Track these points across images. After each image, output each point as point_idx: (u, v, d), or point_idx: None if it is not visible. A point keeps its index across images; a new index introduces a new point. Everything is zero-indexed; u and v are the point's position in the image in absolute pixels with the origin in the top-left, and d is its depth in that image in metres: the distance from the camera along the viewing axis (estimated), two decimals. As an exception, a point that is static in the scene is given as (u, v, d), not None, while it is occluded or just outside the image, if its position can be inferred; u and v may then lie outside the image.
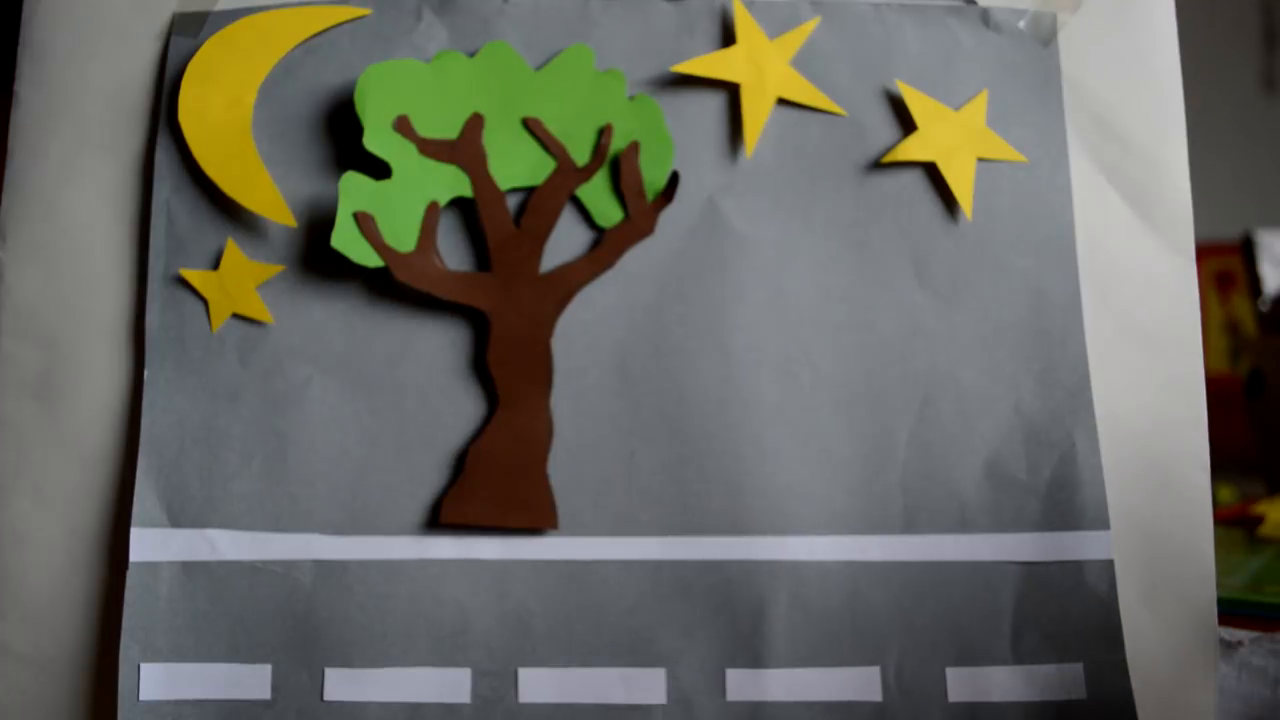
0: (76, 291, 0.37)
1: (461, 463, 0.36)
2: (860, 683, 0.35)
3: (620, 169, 0.37)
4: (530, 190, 0.37)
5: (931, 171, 0.38)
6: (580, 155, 0.37)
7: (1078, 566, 0.36)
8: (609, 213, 0.37)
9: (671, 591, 0.36)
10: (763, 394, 0.37)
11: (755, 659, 0.35)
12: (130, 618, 0.35)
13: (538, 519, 0.36)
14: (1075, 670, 0.36)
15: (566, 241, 0.37)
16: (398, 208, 0.36)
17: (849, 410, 0.37)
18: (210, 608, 0.35)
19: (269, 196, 0.37)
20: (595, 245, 0.37)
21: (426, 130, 0.37)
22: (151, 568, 0.36)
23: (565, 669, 0.35)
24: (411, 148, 0.37)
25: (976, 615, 0.36)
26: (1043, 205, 0.38)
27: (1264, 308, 1.01)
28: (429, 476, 0.36)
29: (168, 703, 0.35)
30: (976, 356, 0.37)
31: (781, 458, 0.36)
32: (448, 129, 0.37)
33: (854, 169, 0.38)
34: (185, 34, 0.38)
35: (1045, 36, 0.39)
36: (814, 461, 0.36)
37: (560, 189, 0.37)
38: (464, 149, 0.37)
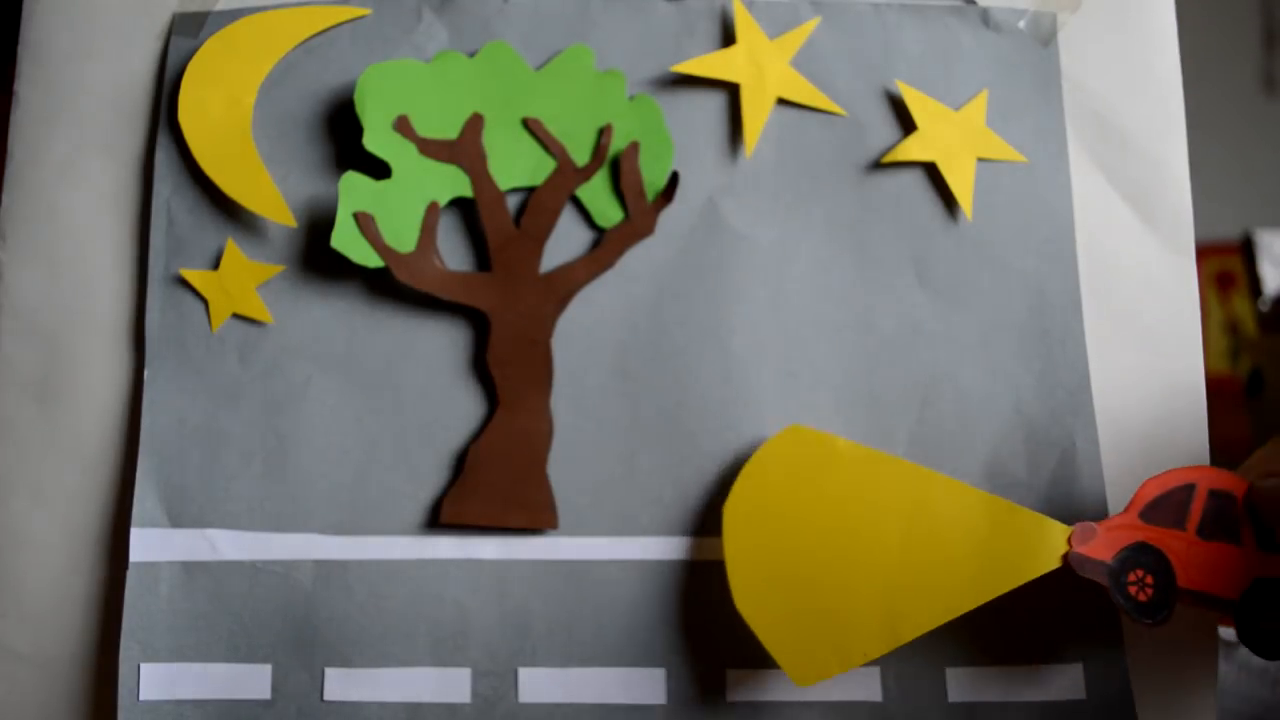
0: (76, 291, 0.37)
1: (461, 463, 0.36)
2: (860, 683, 0.35)
3: (620, 169, 0.37)
4: (530, 190, 0.37)
5: (931, 171, 0.38)
6: (580, 155, 0.37)
7: (1078, 566, 0.36)
8: (609, 213, 0.37)
9: (671, 591, 0.36)
10: (763, 394, 0.37)
11: (755, 659, 0.35)
12: (130, 618, 0.35)
13: (538, 519, 0.36)
14: (1075, 670, 0.36)
15: (566, 241, 0.37)
16: (398, 208, 0.36)
17: (849, 410, 0.37)
18: (210, 608, 0.35)
19: (269, 196, 0.37)
20: (595, 245, 0.37)
21: (426, 130, 0.37)
22: (151, 568, 0.36)
23: (565, 669, 0.35)
24: (411, 148, 0.37)
25: (976, 615, 0.36)
26: (1043, 205, 0.38)
27: (1264, 308, 1.01)
28: (429, 476, 0.36)
29: (168, 703, 0.35)
30: (976, 356, 0.37)
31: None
32: (448, 129, 0.37)
33: (854, 169, 0.38)
34: (185, 34, 0.38)
35: (1045, 36, 0.39)
36: (814, 461, 0.36)
37: (560, 189, 0.37)
38: (464, 149, 0.37)
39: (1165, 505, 0.33)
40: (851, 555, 0.33)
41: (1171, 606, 0.32)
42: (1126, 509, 0.33)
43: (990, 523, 0.33)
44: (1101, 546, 0.33)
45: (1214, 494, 0.33)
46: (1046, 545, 0.33)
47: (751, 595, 0.33)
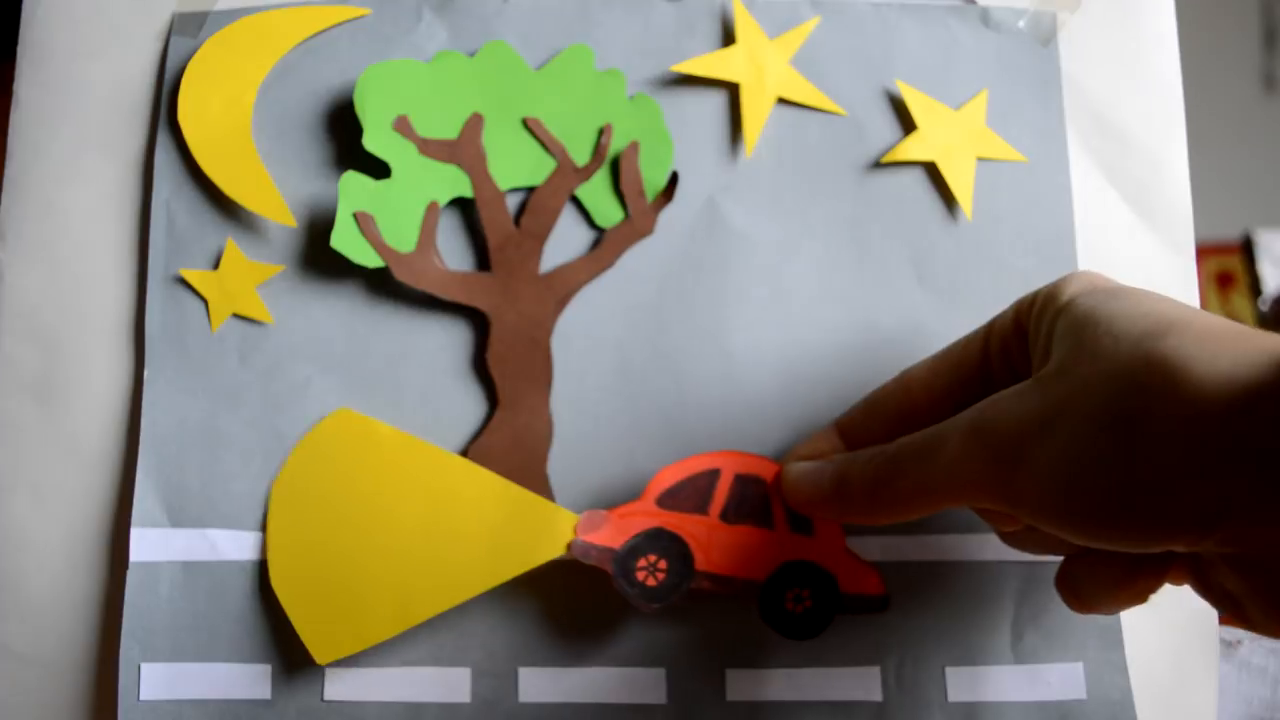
0: (76, 291, 0.37)
1: (461, 463, 0.36)
2: (860, 683, 0.35)
3: (620, 169, 0.37)
4: (530, 190, 0.37)
5: (931, 171, 0.38)
6: (580, 155, 0.37)
7: (1078, 566, 0.36)
8: (609, 213, 0.37)
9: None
10: (763, 394, 0.37)
11: (755, 659, 0.35)
12: (130, 618, 0.35)
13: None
14: (1075, 670, 0.36)
15: (566, 241, 0.37)
16: (398, 208, 0.36)
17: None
18: (210, 608, 0.35)
19: (269, 196, 0.37)
20: (595, 245, 0.37)
21: (426, 130, 0.37)
22: (151, 568, 0.36)
23: (565, 669, 0.35)
24: (411, 148, 0.37)
25: (976, 615, 0.36)
26: (1043, 205, 0.38)
27: (1264, 307, 1.02)
28: (429, 476, 0.36)
29: (168, 703, 0.35)
30: (976, 356, 0.37)
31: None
32: (448, 129, 0.37)
33: (854, 169, 0.38)
34: (185, 34, 0.38)
35: (1045, 36, 0.39)
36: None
37: (560, 189, 0.37)
38: (464, 149, 0.37)
39: (687, 490, 0.33)
40: (376, 537, 0.34)
41: (683, 590, 0.33)
42: (642, 496, 0.34)
43: (505, 509, 0.34)
44: (611, 534, 0.33)
45: (741, 479, 0.34)
46: (554, 532, 0.33)
47: (286, 573, 0.34)
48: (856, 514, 0.31)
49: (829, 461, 0.32)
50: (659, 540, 0.33)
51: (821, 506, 0.32)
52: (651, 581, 0.33)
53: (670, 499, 0.33)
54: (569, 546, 0.33)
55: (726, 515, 0.33)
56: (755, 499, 0.33)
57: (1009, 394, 0.27)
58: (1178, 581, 0.28)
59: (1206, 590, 0.27)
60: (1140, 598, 0.28)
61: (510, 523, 0.34)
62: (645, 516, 0.33)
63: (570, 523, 0.33)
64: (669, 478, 0.34)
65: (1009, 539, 0.33)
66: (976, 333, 0.31)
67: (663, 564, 0.33)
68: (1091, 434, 0.25)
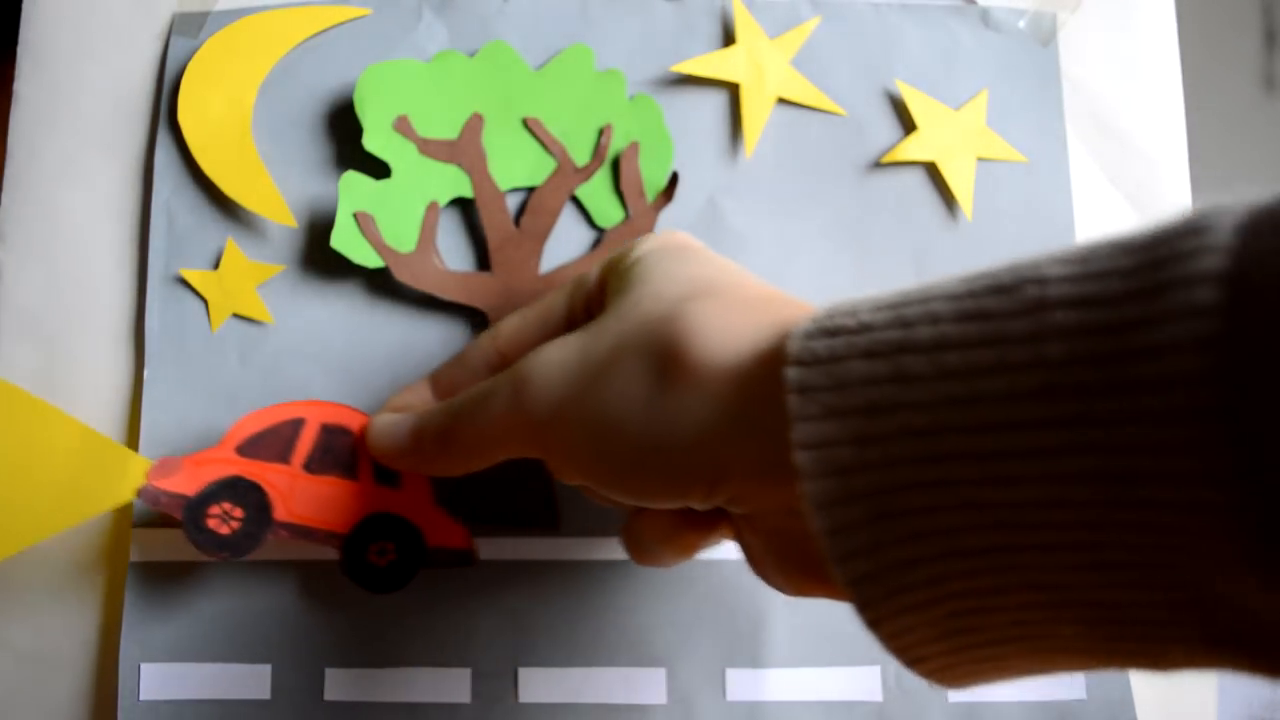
0: (76, 291, 0.37)
1: (461, 463, 0.36)
2: (860, 683, 0.35)
3: (620, 169, 0.37)
4: (530, 190, 0.37)
5: (931, 171, 0.38)
6: (580, 155, 0.37)
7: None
8: (609, 213, 0.37)
9: (671, 591, 0.36)
10: (763, 394, 0.37)
11: (755, 659, 0.35)
12: (130, 618, 0.35)
13: (538, 519, 0.36)
14: (1075, 670, 0.36)
15: (566, 241, 0.37)
16: (398, 208, 0.36)
17: (849, 410, 0.37)
18: (210, 608, 0.35)
19: (269, 196, 0.37)
20: (595, 245, 0.37)
21: (426, 130, 0.37)
22: (151, 568, 0.36)
23: (565, 669, 0.35)
24: (411, 148, 0.37)
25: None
26: (1043, 205, 0.38)
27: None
28: (429, 476, 0.36)
29: (168, 703, 0.35)
30: (976, 356, 0.37)
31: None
32: (448, 129, 0.37)
33: (854, 169, 0.38)
34: (185, 34, 0.38)
35: (1045, 36, 0.39)
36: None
37: (560, 189, 0.37)
38: (464, 149, 0.37)
39: (269, 439, 0.33)
40: None
41: (261, 539, 0.32)
42: (221, 443, 0.33)
43: (79, 454, 0.33)
44: (185, 480, 0.32)
45: (328, 429, 0.33)
46: (126, 478, 0.33)
47: None
48: (431, 466, 0.31)
49: (411, 414, 0.32)
50: (235, 488, 0.32)
51: (400, 459, 0.32)
52: (224, 530, 0.32)
53: (251, 447, 0.33)
54: (139, 492, 0.32)
55: (310, 465, 0.33)
56: (341, 450, 0.33)
57: (552, 345, 0.27)
58: (728, 538, 0.28)
59: (744, 548, 0.27)
60: (689, 551, 0.29)
61: (83, 468, 0.33)
62: (223, 464, 0.33)
63: (144, 468, 0.33)
64: (250, 425, 0.33)
65: (585, 492, 0.33)
66: (564, 286, 0.31)
67: (238, 512, 0.32)
68: (613, 391, 0.25)
